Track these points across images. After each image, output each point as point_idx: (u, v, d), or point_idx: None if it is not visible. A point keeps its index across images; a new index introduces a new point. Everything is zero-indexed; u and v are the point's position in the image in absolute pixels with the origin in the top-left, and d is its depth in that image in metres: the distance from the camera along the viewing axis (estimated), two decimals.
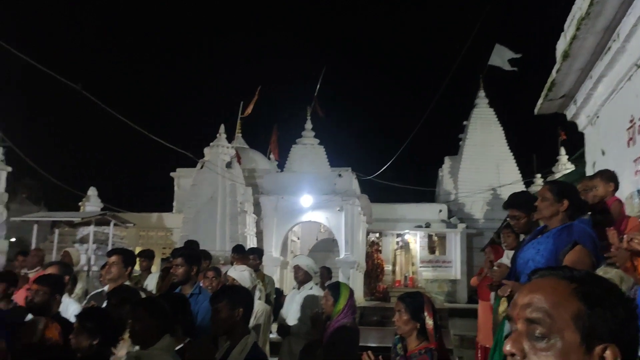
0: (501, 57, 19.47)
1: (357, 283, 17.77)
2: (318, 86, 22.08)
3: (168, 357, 2.96)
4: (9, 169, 11.33)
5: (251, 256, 6.26)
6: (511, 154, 23.57)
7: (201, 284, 4.55)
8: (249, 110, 21.97)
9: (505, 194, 19.56)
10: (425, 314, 2.93)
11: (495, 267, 3.62)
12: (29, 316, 4.07)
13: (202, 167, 17.19)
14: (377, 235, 22.56)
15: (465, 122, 24.80)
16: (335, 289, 4.17)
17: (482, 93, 24.67)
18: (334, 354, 3.90)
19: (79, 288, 5.73)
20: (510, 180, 21.43)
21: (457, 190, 23.04)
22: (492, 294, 4.74)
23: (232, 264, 6.19)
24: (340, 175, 18.75)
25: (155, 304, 3.12)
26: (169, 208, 21.54)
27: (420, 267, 21.92)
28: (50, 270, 4.82)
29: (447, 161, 24.55)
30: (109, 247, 13.06)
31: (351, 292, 4.24)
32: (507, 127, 24.27)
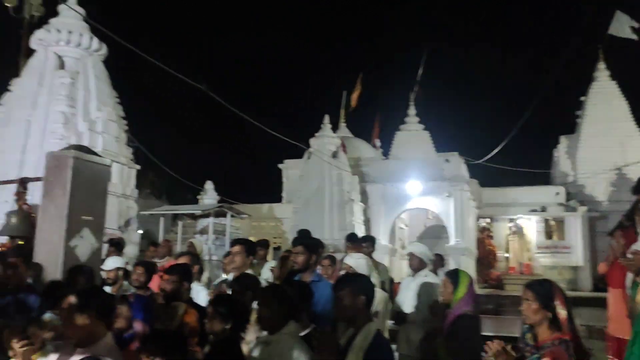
0: (623, 25, 17.89)
1: (468, 270, 17.23)
2: (420, 70, 21.66)
3: (294, 342, 3.08)
4: (138, 167, 12.32)
5: (364, 244, 6.31)
6: (638, 129, 21.61)
7: (318, 272, 4.68)
8: (355, 102, 22.05)
9: (632, 173, 18.00)
10: (557, 302, 2.79)
11: (629, 255, 3.36)
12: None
13: (308, 158, 17.57)
14: (488, 220, 21.73)
15: (582, 98, 23.09)
16: (454, 276, 4.09)
17: (602, 65, 22.78)
18: (455, 343, 3.84)
19: (205, 276, 6.12)
20: (639, 158, 19.63)
21: (575, 171, 21.55)
22: (628, 281, 4.40)
23: (346, 252, 6.28)
24: (447, 160, 18.33)
25: (281, 291, 3.26)
26: (278, 199, 22.26)
27: (537, 253, 20.80)
28: (181, 260, 5.21)
29: (564, 141, 23.01)
30: (227, 238, 13.81)
31: (471, 280, 4.14)
32: (633, 100, 22.24)
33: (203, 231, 14.44)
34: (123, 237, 9.29)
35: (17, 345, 2.80)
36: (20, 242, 5.67)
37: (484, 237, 21.14)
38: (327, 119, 17.98)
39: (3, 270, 4.37)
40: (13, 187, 7.13)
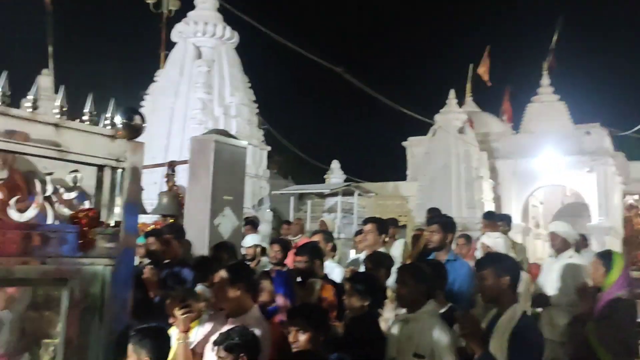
0: None
1: None
2: (556, 36, 20.08)
3: (435, 321, 3.05)
4: (269, 148, 12.91)
5: (500, 222, 6.06)
6: None
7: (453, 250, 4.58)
8: (486, 75, 21.04)
9: None
10: None
11: None
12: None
13: (434, 135, 17.18)
14: (637, 197, 19.76)
15: None
16: (607, 257, 3.79)
17: None
18: (609, 329, 3.56)
19: (337, 254, 6.27)
20: None
21: None
22: None
23: (480, 230, 6.08)
24: (587, 132, 16.92)
25: (420, 269, 3.24)
26: (402, 177, 22.07)
27: None
28: (315, 238, 5.38)
29: None
30: (354, 216, 14.03)
31: (625, 262, 3.81)
32: None
33: (331, 210, 14.77)
34: (257, 216, 9.77)
35: (179, 313, 3.07)
36: (171, 220, 6.20)
37: (632, 215, 19.28)
38: (452, 93, 17.40)
39: (159, 246, 4.82)
40: (160, 170, 7.80)
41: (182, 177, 6.92)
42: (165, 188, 6.88)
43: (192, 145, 5.77)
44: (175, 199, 6.39)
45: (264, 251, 6.22)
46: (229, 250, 4.87)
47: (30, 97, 1.77)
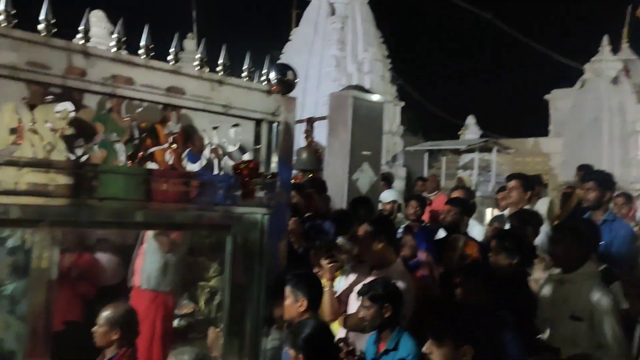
0: None
1: None
2: None
3: (594, 283, 2.84)
4: (402, 104, 12.73)
5: None
6: None
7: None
8: None
9: None
10: None
11: None
12: (441, 234, 4.53)
13: (582, 86, 15.77)
14: None
15: None
16: None
17: None
18: None
19: (477, 211, 6.06)
20: None
21: None
22: None
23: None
24: None
25: (581, 228, 3.02)
26: (543, 132, 20.64)
27: None
28: (455, 194, 5.24)
29: None
30: (493, 173, 13.46)
31: None
32: None
33: (465, 167, 14.29)
34: (392, 172, 9.76)
35: (325, 263, 3.19)
36: (310, 175, 6.40)
37: None
38: (606, 39, 15.72)
39: (301, 199, 5.00)
40: (297, 126, 8.03)
41: (318, 132, 7.08)
42: (303, 144, 7.11)
43: (330, 102, 5.84)
44: (314, 154, 6.57)
45: (399, 207, 6.20)
46: (366, 205, 4.92)
47: (197, 56, 1.89)
